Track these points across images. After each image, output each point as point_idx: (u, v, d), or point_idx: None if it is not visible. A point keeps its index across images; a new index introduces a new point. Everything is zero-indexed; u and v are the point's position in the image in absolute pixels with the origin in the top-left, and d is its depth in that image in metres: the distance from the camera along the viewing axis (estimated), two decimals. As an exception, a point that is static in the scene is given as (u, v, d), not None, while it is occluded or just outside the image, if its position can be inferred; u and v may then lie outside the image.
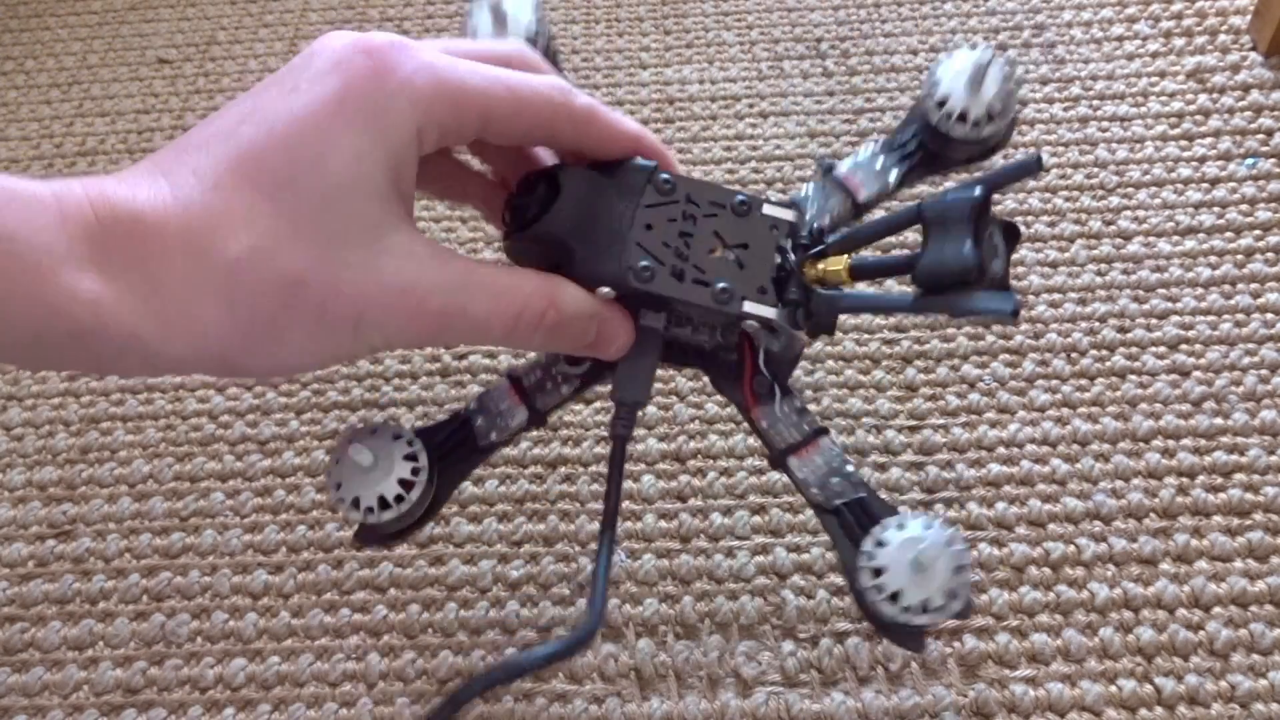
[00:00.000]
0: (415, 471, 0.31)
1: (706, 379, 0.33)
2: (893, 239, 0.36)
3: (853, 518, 0.30)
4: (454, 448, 0.33)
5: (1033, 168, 0.27)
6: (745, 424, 0.33)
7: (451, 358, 0.46)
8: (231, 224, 0.24)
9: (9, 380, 0.47)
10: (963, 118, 0.31)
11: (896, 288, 0.46)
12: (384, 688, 0.37)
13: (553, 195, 0.28)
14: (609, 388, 0.31)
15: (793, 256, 0.29)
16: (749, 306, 0.29)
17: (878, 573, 0.28)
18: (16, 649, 0.39)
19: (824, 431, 0.31)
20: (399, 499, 0.30)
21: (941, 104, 0.31)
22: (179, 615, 0.39)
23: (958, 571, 0.28)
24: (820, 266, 0.29)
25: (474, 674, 0.29)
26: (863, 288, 0.35)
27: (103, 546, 0.41)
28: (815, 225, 0.31)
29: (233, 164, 0.24)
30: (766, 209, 0.30)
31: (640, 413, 0.32)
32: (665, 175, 0.30)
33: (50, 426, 0.46)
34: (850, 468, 0.31)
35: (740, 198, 0.30)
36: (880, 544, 0.28)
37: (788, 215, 0.30)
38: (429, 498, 0.31)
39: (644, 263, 0.28)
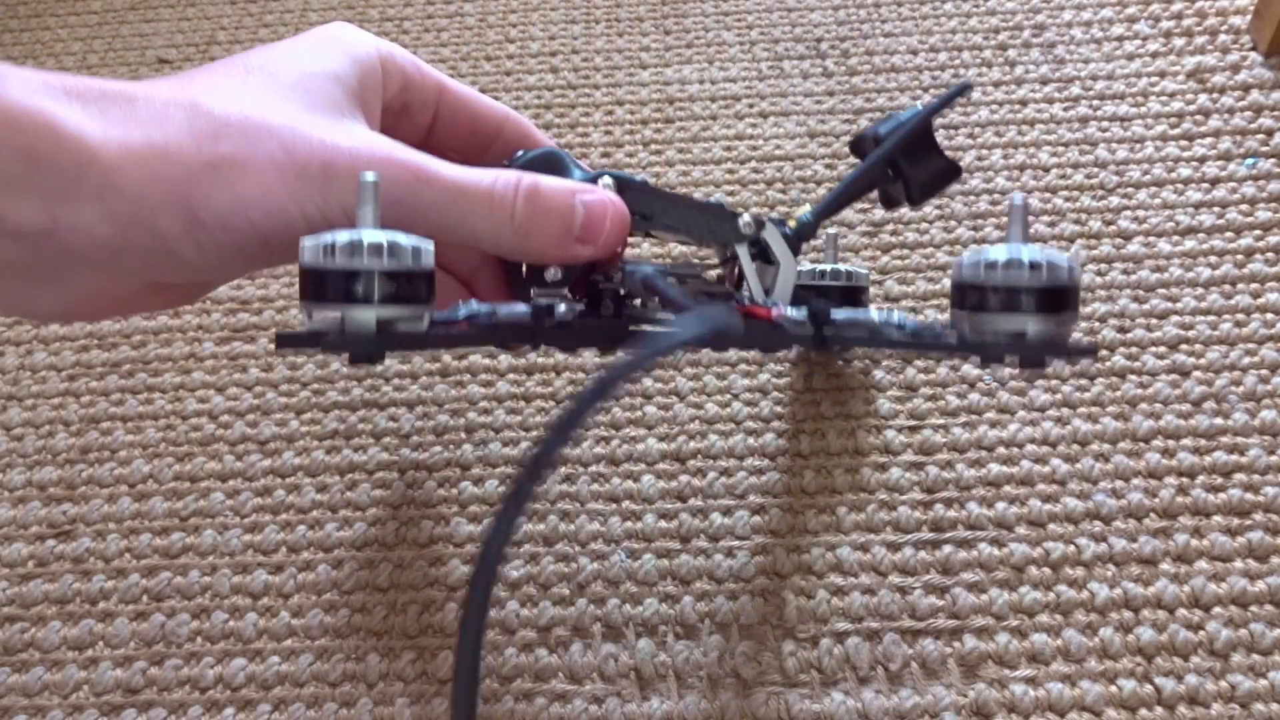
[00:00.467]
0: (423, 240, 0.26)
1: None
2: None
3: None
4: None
5: (966, 87, 0.33)
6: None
7: (452, 358, 0.46)
8: (221, 94, 0.25)
9: (9, 380, 0.47)
10: None
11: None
12: (384, 688, 0.37)
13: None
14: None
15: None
16: (746, 215, 0.31)
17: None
18: (16, 649, 0.39)
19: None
20: (413, 253, 0.25)
21: None
22: (179, 615, 0.39)
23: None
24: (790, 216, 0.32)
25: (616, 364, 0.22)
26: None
27: (103, 546, 0.41)
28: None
29: (220, 66, 0.27)
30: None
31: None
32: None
33: (50, 426, 0.46)
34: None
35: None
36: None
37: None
38: (429, 293, 0.26)
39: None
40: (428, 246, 0.25)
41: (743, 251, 0.31)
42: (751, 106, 0.56)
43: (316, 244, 0.24)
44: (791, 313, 0.30)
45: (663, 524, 0.40)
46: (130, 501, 0.43)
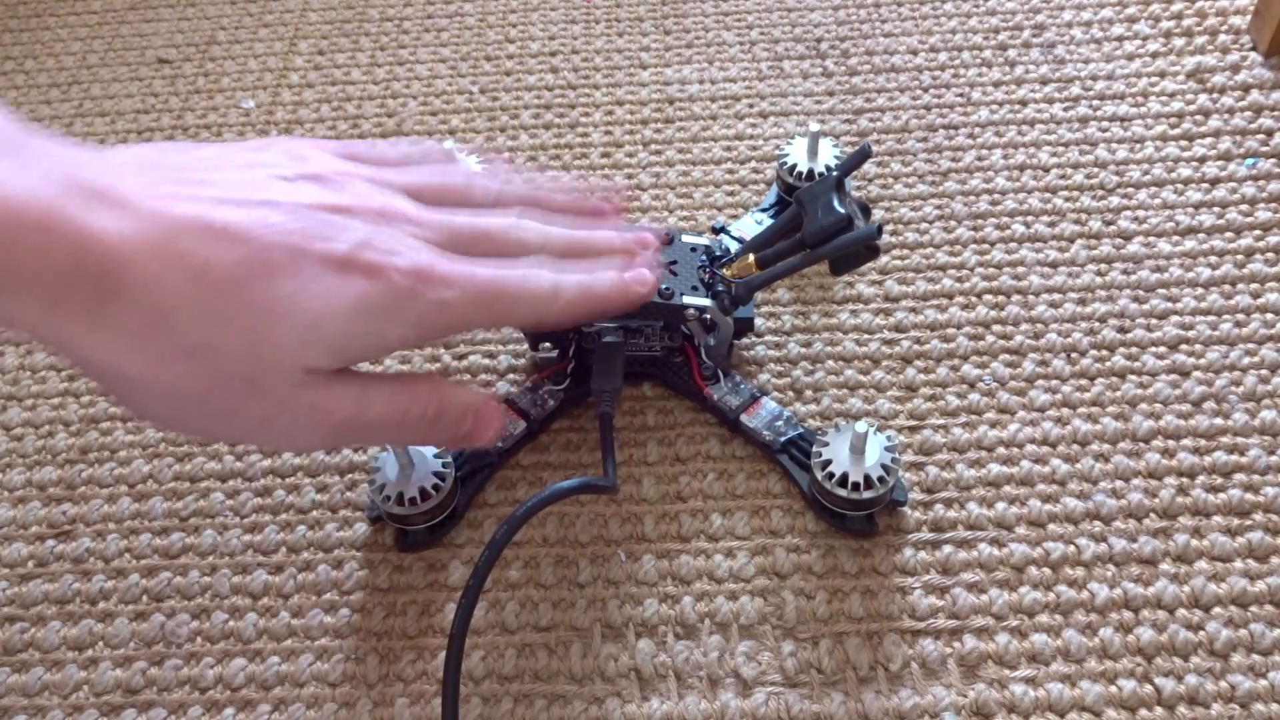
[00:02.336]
0: (445, 467, 0.38)
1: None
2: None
3: (799, 448, 0.40)
4: (470, 457, 0.41)
5: (866, 153, 0.37)
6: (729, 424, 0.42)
7: (451, 358, 0.46)
8: (204, 318, 0.27)
9: (9, 380, 0.47)
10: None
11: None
12: (384, 688, 0.37)
13: None
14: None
15: (709, 265, 0.40)
16: (686, 300, 0.39)
17: (826, 465, 0.37)
18: (16, 649, 0.39)
19: (762, 394, 0.42)
20: (435, 488, 0.38)
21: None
22: (179, 615, 0.39)
23: (887, 451, 0.37)
24: (734, 267, 0.39)
25: (511, 515, 0.34)
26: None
27: (103, 546, 0.41)
28: (724, 247, 0.42)
29: (241, 271, 0.27)
30: (685, 238, 0.41)
31: (617, 399, 0.40)
32: None
33: (50, 426, 0.46)
34: (788, 415, 0.41)
35: (663, 231, 0.40)
36: (825, 444, 0.38)
37: (702, 241, 0.41)
38: (455, 497, 0.39)
39: None
40: (448, 480, 0.38)
41: (693, 327, 0.40)
42: (751, 106, 0.56)
43: (380, 500, 0.38)
44: (724, 386, 0.42)
45: (663, 524, 0.40)
46: (130, 501, 0.43)
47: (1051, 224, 0.48)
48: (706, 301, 0.39)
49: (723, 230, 0.46)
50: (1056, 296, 0.46)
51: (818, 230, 0.36)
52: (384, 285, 0.29)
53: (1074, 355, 0.44)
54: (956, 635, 0.36)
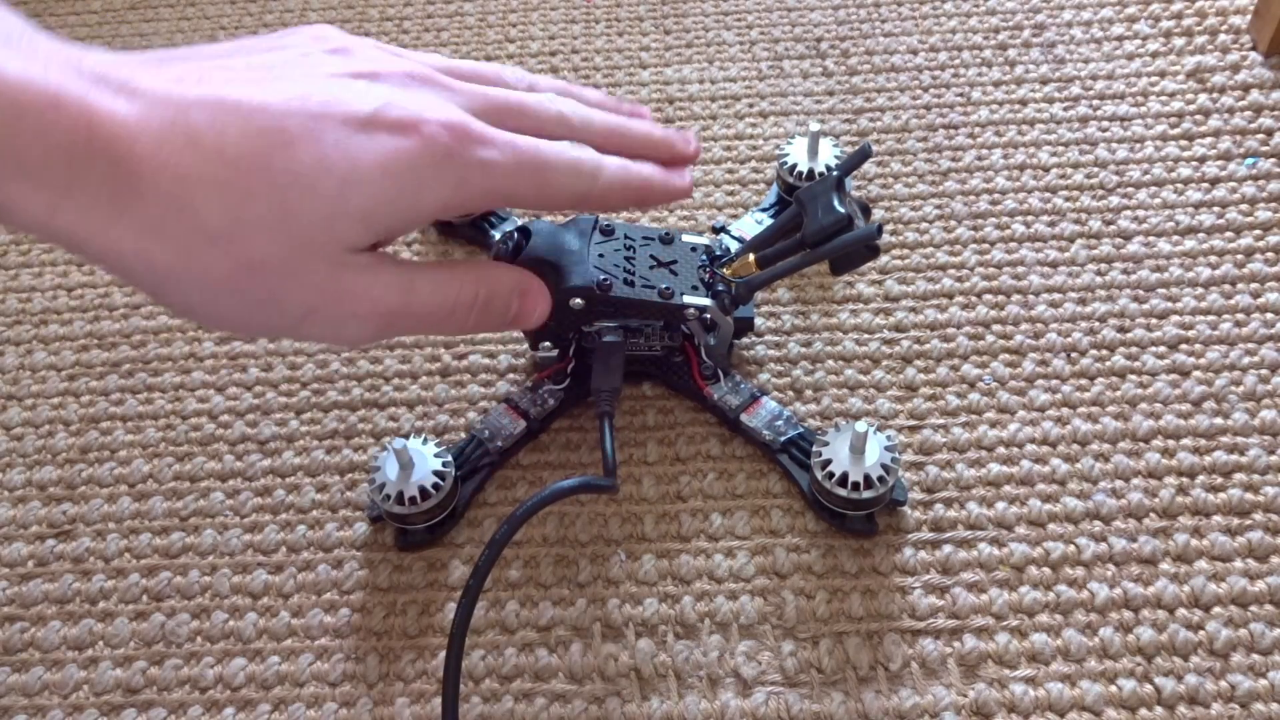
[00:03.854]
0: (445, 466, 0.38)
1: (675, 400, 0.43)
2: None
3: (799, 448, 0.40)
4: (470, 457, 0.41)
5: (866, 153, 0.37)
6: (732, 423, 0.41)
7: (451, 358, 0.46)
8: (221, 196, 0.25)
9: (9, 380, 0.47)
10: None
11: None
12: (384, 688, 0.37)
13: (524, 240, 0.38)
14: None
15: (709, 264, 0.40)
16: (687, 299, 0.39)
17: (826, 464, 0.37)
18: (16, 649, 0.39)
19: (762, 394, 0.42)
20: (435, 487, 0.38)
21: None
22: (179, 615, 0.39)
23: (887, 450, 0.37)
24: (734, 266, 0.39)
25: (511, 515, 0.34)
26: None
27: (103, 546, 0.41)
28: (724, 246, 0.42)
29: (259, 143, 0.25)
30: (685, 237, 0.41)
31: (617, 400, 0.40)
32: (606, 221, 0.40)
33: (50, 426, 0.46)
34: (788, 414, 0.41)
35: (663, 231, 0.41)
36: (825, 444, 0.38)
37: (702, 241, 0.41)
38: (455, 496, 0.39)
39: (602, 277, 0.37)
40: (449, 479, 0.38)
41: (693, 327, 0.40)
42: (751, 106, 0.56)
43: (380, 499, 0.38)
44: (724, 386, 0.42)
45: (663, 524, 0.40)
46: (130, 501, 0.43)
47: (1051, 224, 0.48)
48: (707, 301, 0.39)
49: (723, 230, 0.46)
50: (1056, 296, 0.46)
51: (818, 230, 0.36)
52: (416, 142, 0.27)
53: (1074, 355, 0.44)
54: (956, 635, 0.36)
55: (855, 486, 0.37)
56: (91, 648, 0.39)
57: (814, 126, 0.46)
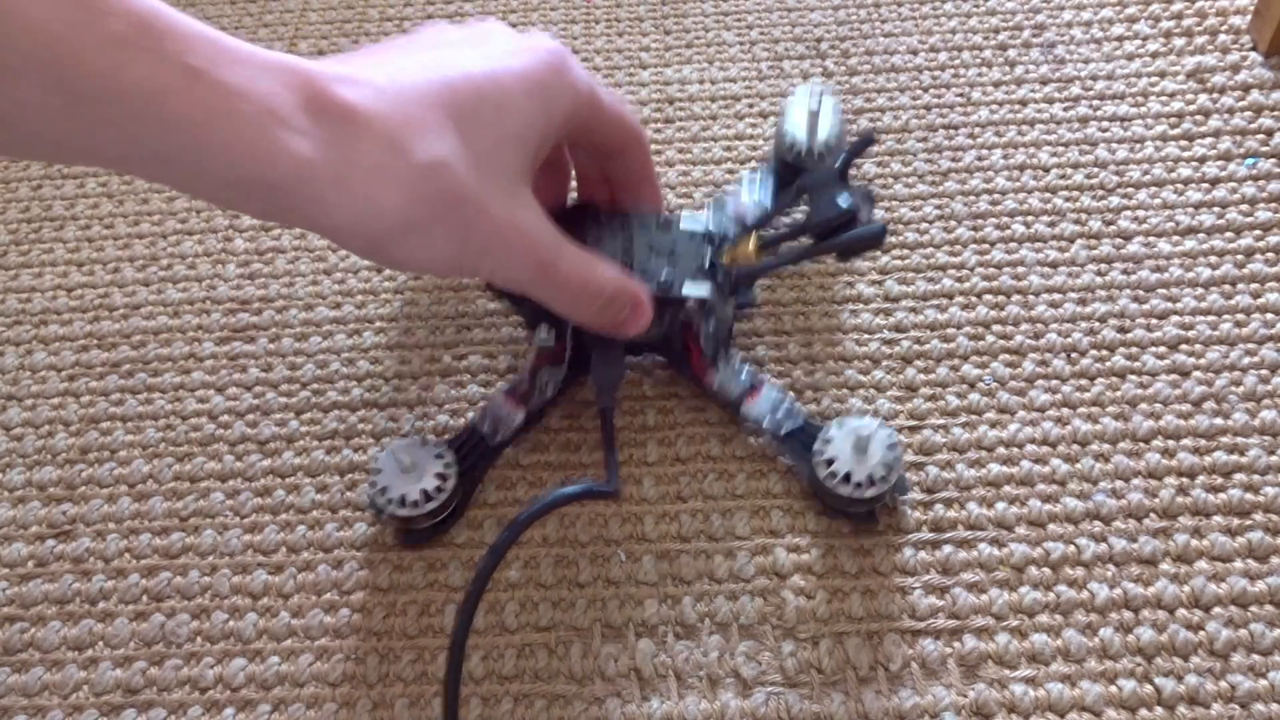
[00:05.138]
0: (447, 467, 0.38)
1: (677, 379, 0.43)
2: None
3: (802, 439, 0.39)
4: (470, 451, 0.40)
5: (870, 140, 0.37)
6: (732, 418, 0.41)
7: (451, 359, 0.46)
8: (425, 134, 0.28)
9: (9, 380, 0.47)
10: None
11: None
12: (383, 688, 0.37)
13: None
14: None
15: (710, 250, 0.38)
16: (687, 288, 0.38)
17: (829, 463, 0.37)
18: (16, 649, 0.39)
19: (764, 379, 0.41)
20: (438, 490, 0.38)
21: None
22: (179, 615, 0.39)
23: (890, 449, 0.37)
24: (734, 252, 0.38)
25: (514, 520, 0.34)
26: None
27: (103, 546, 0.41)
28: (722, 231, 0.40)
29: (432, 88, 0.29)
30: (683, 223, 0.39)
31: (618, 390, 0.40)
32: (603, 214, 0.39)
33: (50, 426, 0.46)
34: (789, 404, 0.40)
35: (661, 217, 0.39)
36: (827, 441, 0.37)
37: (700, 226, 0.39)
38: (458, 495, 0.39)
39: None
40: (451, 479, 0.38)
41: (693, 315, 0.39)
42: (751, 106, 0.56)
43: (382, 503, 0.38)
44: (725, 373, 0.41)
45: (663, 524, 0.40)
46: (130, 501, 0.43)
47: (1051, 224, 0.48)
48: (707, 292, 0.38)
49: (720, 202, 0.44)
50: (1056, 296, 0.46)
51: (823, 223, 0.36)
52: (542, 58, 0.32)
53: (1074, 355, 0.44)
54: (956, 635, 0.36)
55: (858, 485, 0.36)
56: (91, 648, 0.39)
57: (813, 103, 0.42)
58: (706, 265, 0.38)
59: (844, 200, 0.36)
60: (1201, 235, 0.47)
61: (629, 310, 0.35)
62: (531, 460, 0.42)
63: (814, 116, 0.44)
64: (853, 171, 0.51)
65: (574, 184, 0.41)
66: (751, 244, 0.38)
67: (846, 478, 0.37)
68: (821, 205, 0.36)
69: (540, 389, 0.41)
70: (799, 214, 0.38)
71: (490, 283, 0.41)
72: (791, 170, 0.44)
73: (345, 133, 0.27)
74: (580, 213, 0.39)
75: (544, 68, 0.32)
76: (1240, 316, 0.44)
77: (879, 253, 0.48)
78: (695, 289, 0.38)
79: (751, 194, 0.45)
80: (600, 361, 0.39)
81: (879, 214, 0.50)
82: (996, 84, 0.55)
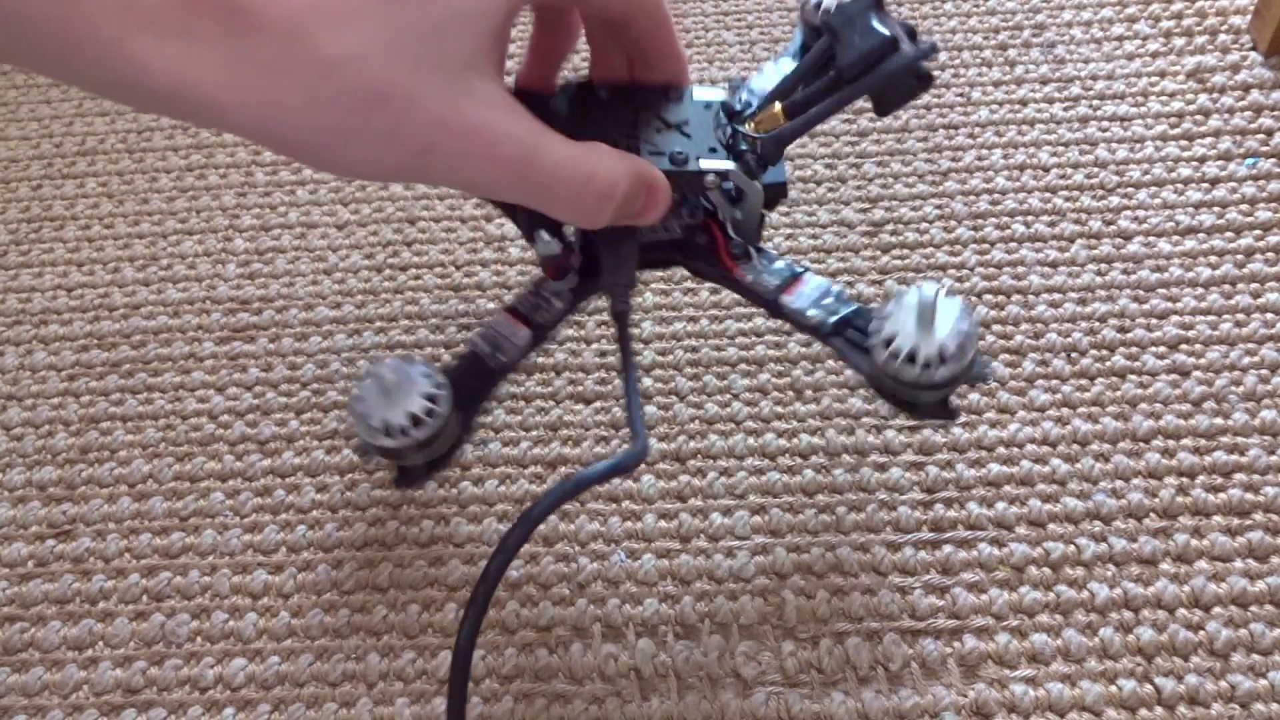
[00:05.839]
0: (437, 387, 0.33)
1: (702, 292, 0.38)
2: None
3: (855, 328, 0.33)
4: (467, 374, 0.35)
5: None
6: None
7: (451, 358, 0.46)
8: (336, 22, 0.24)
9: (9, 380, 0.47)
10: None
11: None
12: (384, 688, 0.37)
13: None
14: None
15: (727, 122, 0.33)
16: (705, 163, 0.32)
17: (889, 342, 0.30)
18: (16, 649, 0.39)
19: (804, 270, 0.35)
20: (428, 413, 0.32)
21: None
22: (179, 615, 0.39)
23: (962, 318, 0.30)
24: (757, 120, 0.32)
25: (541, 497, 0.29)
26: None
27: (103, 546, 0.41)
28: (744, 100, 0.33)
29: None
30: (697, 93, 0.33)
31: (632, 296, 0.35)
32: (602, 88, 0.33)
33: (50, 426, 0.46)
34: (837, 288, 0.34)
35: (672, 89, 0.33)
36: (885, 317, 0.31)
37: (718, 95, 0.34)
38: (453, 421, 0.34)
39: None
40: (443, 401, 0.33)
41: (715, 197, 0.33)
42: (751, 106, 0.56)
43: (365, 433, 0.32)
44: (757, 266, 0.35)
45: (663, 524, 0.40)
46: (130, 501, 0.43)
47: (1051, 224, 0.48)
48: (728, 164, 0.32)
49: (740, 84, 0.37)
50: (1056, 296, 0.46)
51: (856, 59, 0.30)
52: None
53: (1074, 355, 0.44)
54: (956, 635, 0.36)
55: (928, 365, 0.30)
56: (91, 648, 0.39)
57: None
58: (726, 138, 0.33)
59: (881, 27, 0.30)
60: (1201, 235, 0.47)
61: (644, 198, 0.30)
62: (532, 456, 0.42)
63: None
64: (852, 173, 0.51)
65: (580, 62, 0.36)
66: (778, 107, 0.32)
67: (912, 357, 0.30)
68: (853, 39, 0.30)
69: (545, 302, 0.36)
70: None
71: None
72: (819, 36, 0.35)
73: (230, 27, 0.24)
74: (578, 93, 0.34)
75: None
76: (1240, 316, 0.44)
77: (879, 253, 0.48)
78: (715, 162, 0.32)
79: (776, 68, 0.37)
80: (610, 262, 0.34)
81: (877, 215, 0.50)
82: (996, 84, 0.55)
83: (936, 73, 0.56)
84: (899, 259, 0.48)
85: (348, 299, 0.49)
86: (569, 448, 0.42)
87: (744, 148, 0.32)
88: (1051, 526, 0.39)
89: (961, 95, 0.54)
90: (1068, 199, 0.49)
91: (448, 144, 0.26)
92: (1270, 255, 0.46)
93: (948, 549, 0.38)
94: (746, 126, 0.32)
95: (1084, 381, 0.43)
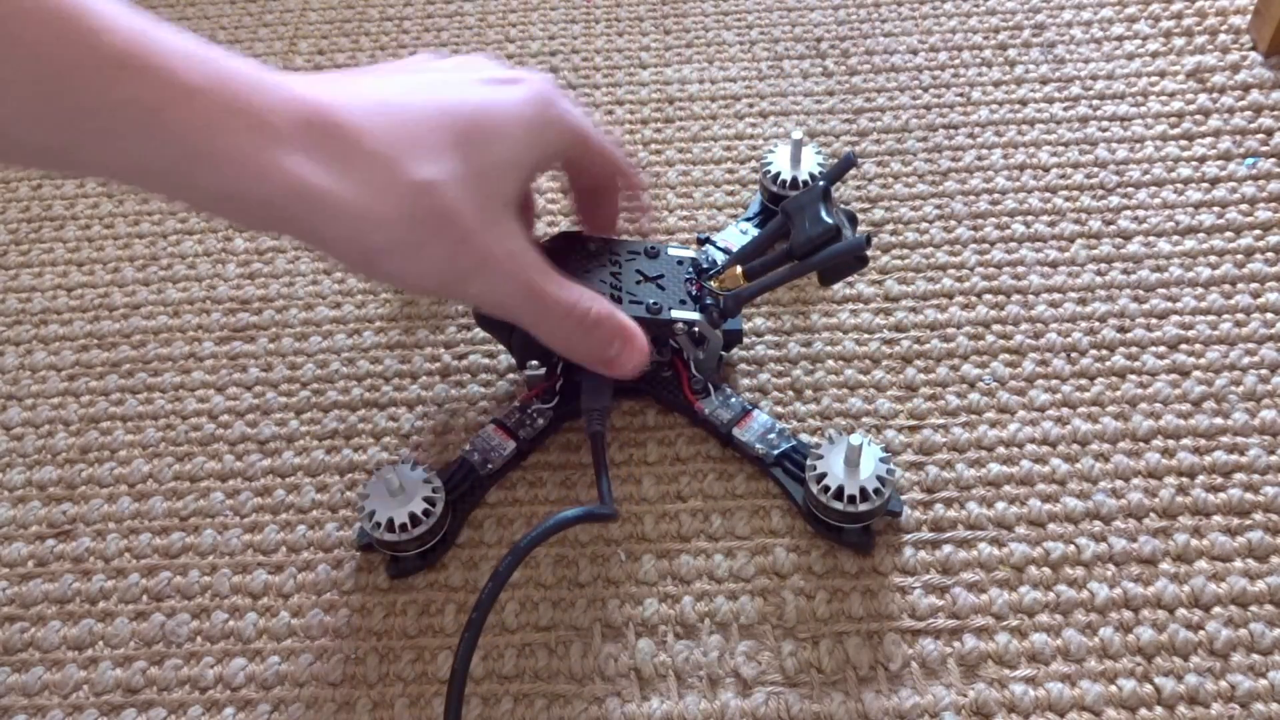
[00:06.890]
0: (435, 491, 0.38)
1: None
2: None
3: (793, 461, 0.39)
4: (459, 481, 0.40)
5: (851, 162, 0.39)
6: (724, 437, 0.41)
7: (451, 358, 0.46)
8: (420, 153, 0.29)
9: (9, 380, 0.47)
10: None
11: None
12: (383, 688, 0.37)
13: None
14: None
15: (696, 277, 0.40)
16: (675, 313, 0.38)
17: (821, 478, 0.37)
18: (16, 649, 0.39)
19: (754, 406, 0.41)
20: (426, 513, 0.37)
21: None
22: (179, 615, 0.39)
23: (882, 462, 0.37)
24: (721, 279, 0.39)
25: (516, 543, 0.35)
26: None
27: (103, 546, 0.41)
28: (710, 258, 0.42)
29: (429, 109, 0.30)
30: (670, 251, 0.41)
31: (608, 418, 0.40)
32: (591, 243, 0.40)
33: (50, 426, 0.46)
34: (780, 427, 0.40)
35: (649, 245, 0.40)
36: (819, 458, 0.37)
37: (689, 253, 0.41)
38: (446, 521, 0.39)
39: None
40: (439, 504, 0.38)
41: (682, 341, 0.40)
42: (751, 106, 0.56)
43: (370, 528, 0.38)
44: (715, 400, 0.41)
45: (663, 524, 0.40)
46: (130, 501, 0.43)
47: (1051, 224, 0.48)
48: (695, 315, 0.39)
49: (707, 241, 0.46)
50: (1056, 296, 0.46)
51: (805, 241, 0.36)
52: (530, 91, 0.33)
53: (1074, 355, 0.44)
54: (956, 635, 0.36)
55: (851, 499, 0.36)
56: (91, 648, 0.39)
57: (796, 134, 0.46)
58: (694, 291, 0.39)
59: (827, 217, 0.36)
60: (1201, 235, 0.47)
61: (621, 345, 0.35)
62: (531, 461, 0.42)
63: (798, 146, 0.46)
64: (852, 173, 0.51)
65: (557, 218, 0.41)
66: (739, 270, 0.39)
67: (839, 493, 0.36)
68: (804, 225, 0.37)
69: (530, 419, 0.41)
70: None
71: (478, 311, 0.42)
72: (778, 203, 0.45)
73: (341, 150, 0.28)
74: (567, 242, 0.39)
75: (538, 99, 0.33)
76: (1240, 316, 0.44)
77: (879, 253, 0.48)
78: (683, 313, 0.38)
79: (737, 229, 0.46)
80: (590, 390, 0.39)
81: (878, 214, 0.50)
82: (996, 84, 0.55)
83: (936, 72, 0.56)
84: (899, 259, 0.48)
85: (348, 299, 0.49)
86: (568, 453, 0.42)
87: (708, 302, 0.39)
88: (1051, 526, 0.39)
89: (961, 95, 0.54)
90: (1068, 199, 0.49)
91: (492, 265, 0.31)
92: (1270, 255, 0.46)
93: (948, 549, 0.38)
94: (712, 284, 0.39)
95: (1084, 381, 0.43)
